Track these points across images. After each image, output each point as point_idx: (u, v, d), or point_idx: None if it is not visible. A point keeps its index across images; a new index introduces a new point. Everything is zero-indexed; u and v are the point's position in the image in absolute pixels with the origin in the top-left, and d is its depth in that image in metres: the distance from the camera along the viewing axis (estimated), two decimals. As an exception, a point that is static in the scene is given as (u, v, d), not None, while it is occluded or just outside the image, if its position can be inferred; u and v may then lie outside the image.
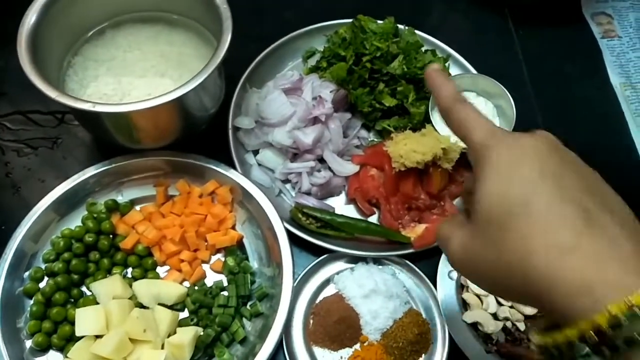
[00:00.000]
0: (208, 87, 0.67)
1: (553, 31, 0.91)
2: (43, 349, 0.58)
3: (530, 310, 0.65)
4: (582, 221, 0.30)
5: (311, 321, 0.63)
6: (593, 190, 0.32)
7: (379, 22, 0.79)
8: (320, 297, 0.65)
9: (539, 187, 0.31)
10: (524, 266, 0.30)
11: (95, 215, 0.64)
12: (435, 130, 0.70)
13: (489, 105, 0.75)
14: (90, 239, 0.62)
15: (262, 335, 0.59)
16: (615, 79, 0.86)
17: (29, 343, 0.58)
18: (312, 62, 0.81)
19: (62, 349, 0.58)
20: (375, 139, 0.77)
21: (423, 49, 0.79)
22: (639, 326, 0.26)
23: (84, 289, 0.62)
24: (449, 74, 0.42)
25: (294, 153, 0.71)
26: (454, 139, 0.69)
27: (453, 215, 0.36)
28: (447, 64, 0.79)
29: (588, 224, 0.30)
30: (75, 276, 0.61)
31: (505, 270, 0.32)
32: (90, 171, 0.67)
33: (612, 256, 0.29)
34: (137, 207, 0.67)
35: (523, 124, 0.71)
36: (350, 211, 0.72)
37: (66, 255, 0.61)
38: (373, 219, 0.71)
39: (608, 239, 0.29)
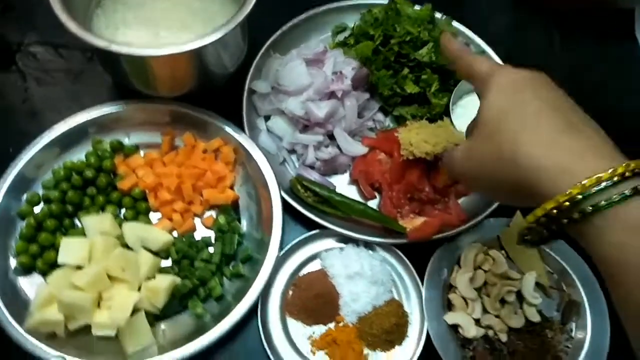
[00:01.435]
0: (229, 44, 0.66)
1: (599, 46, 0.87)
2: (26, 270, 0.59)
3: (515, 323, 0.62)
4: (566, 125, 0.37)
5: (290, 292, 0.63)
6: (576, 110, 0.40)
7: (417, 7, 0.77)
8: (304, 271, 0.64)
9: (534, 99, 0.39)
10: (517, 152, 0.37)
11: (99, 152, 0.65)
12: (453, 124, 0.68)
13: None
14: (90, 173, 0.63)
15: (239, 297, 0.58)
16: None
17: (14, 262, 0.59)
18: (340, 37, 0.79)
19: (44, 274, 0.59)
20: (391, 125, 0.75)
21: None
22: (604, 196, 0.33)
23: (76, 221, 0.63)
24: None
25: (305, 125, 0.70)
26: (469, 136, 0.66)
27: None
28: (478, 61, 0.76)
29: (571, 128, 0.37)
30: (70, 207, 0.62)
31: (501, 161, 0.39)
32: (103, 109, 0.67)
33: (590, 150, 0.36)
34: (142, 152, 0.68)
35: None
36: (352, 192, 0.70)
37: (64, 185, 0.62)
38: (373, 203, 0.70)
39: (587, 139, 0.37)
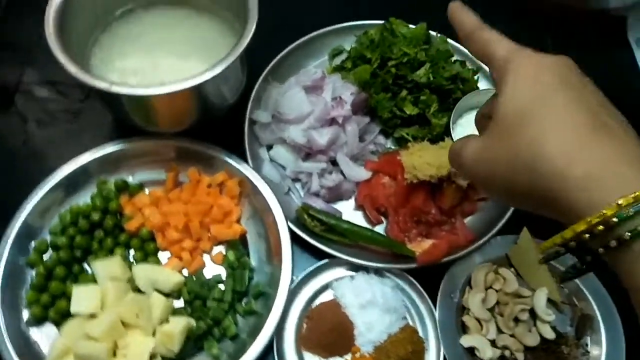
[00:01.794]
0: (228, 77, 0.66)
1: (593, 54, 0.87)
2: (39, 321, 0.59)
3: (531, 341, 0.62)
4: (596, 125, 0.32)
5: (305, 325, 0.63)
6: (606, 105, 0.34)
7: (412, 26, 0.77)
8: (316, 302, 0.64)
9: (559, 92, 0.33)
10: (537, 155, 0.32)
11: (104, 193, 0.65)
12: (455, 144, 0.68)
13: (514, 124, 0.72)
14: (97, 216, 0.63)
15: (254, 334, 0.58)
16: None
17: (26, 313, 0.59)
18: (337, 61, 0.79)
19: (57, 323, 0.59)
20: (393, 147, 0.75)
21: (453, 59, 0.76)
22: None
23: (85, 265, 0.63)
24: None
25: (307, 152, 0.70)
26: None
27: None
28: (476, 77, 0.76)
29: (601, 129, 0.31)
30: (78, 252, 0.62)
31: (519, 166, 0.33)
32: (105, 149, 0.67)
33: (622, 157, 0.30)
34: (147, 190, 0.68)
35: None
36: (358, 217, 0.70)
37: (71, 230, 0.62)
38: (380, 228, 0.70)
39: (619, 142, 0.31)
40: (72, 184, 0.65)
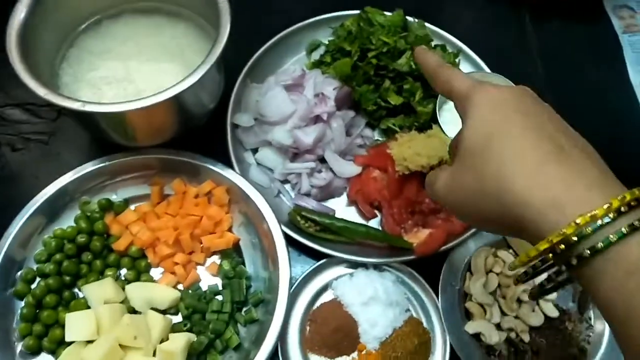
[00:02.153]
0: (206, 83, 0.64)
1: (571, 26, 0.87)
2: (34, 352, 0.57)
3: (535, 321, 0.62)
4: (553, 150, 0.33)
5: (308, 328, 0.62)
6: (563, 130, 0.36)
7: (388, 14, 0.75)
8: (317, 303, 0.63)
9: (516, 120, 0.35)
10: (500, 188, 0.34)
11: (88, 214, 0.63)
12: (443, 131, 0.67)
13: (499, 104, 0.71)
14: (83, 239, 0.61)
15: (257, 342, 0.57)
16: (635, 78, 0.82)
17: (20, 346, 0.57)
18: (315, 55, 0.78)
19: (53, 352, 0.57)
20: (380, 138, 0.74)
21: (433, 43, 0.75)
22: (600, 236, 0.30)
23: (76, 290, 0.61)
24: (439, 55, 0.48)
25: (294, 153, 0.68)
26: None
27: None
28: (457, 60, 0.75)
29: (558, 153, 0.33)
30: (67, 278, 0.60)
31: (485, 195, 0.35)
32: (84, 169, 0.65)
33: (580, 179, 0.32)
34: (132, 207, 0.66)
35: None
36: (351, 213, 0.69)
37: (58, 256, 0.60)
38: (375, 222, 0.69)
39: (576, 166, 0.33)
40: (53, 208, 0.63)
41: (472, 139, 0.36)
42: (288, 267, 0.60)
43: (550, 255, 0.32)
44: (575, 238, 0.30)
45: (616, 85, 0.82)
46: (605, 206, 0.30)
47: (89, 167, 0.65)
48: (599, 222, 0.30)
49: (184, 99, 0.62)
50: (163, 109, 0.61)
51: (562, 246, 0.31)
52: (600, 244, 0.30)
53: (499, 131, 0.35)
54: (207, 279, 0.63)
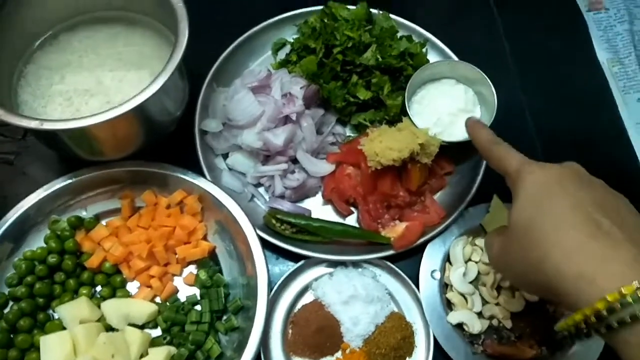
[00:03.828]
0: (169, 90, 0.63)
1: (536, 6, 0.87)
2: (11, 378, 0.56)
3: (516, 307, 0.62)
4: (591, 229, 0.38)
5: (290, 331, 0.61)
6: (607, 206, 0.40)
7: (352, 7, 0.75)
8: (298, 305, 0.63)
9: (558, 200, 0.40)
10: (541, 262, 0.39)
11: (58, 233, 0.61)
12: (413, 123, 0.67)
13: (469, 92, 0.71)
14: (54, 259, 0.59)
15: (239, 349, 0.56)
16: (602, 55, 0.82)
17: (-5, 373, 0.56)
18: (281, 55, 0.77)
19: (31, 377, 0.55)
20: (352, 134, 0.73)
21: (398, 34, 0.74)
22: (628, 311, 0.34)
23: (50, 311, 0.59)
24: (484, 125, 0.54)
25: (266, 155, 0.67)
26: (432, 132, 0.65)
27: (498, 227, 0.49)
28: (424, 50, 0.75)
29: (596, 231, 0.37)
30: (41, 300, 0.58)
31: (529, 265, 0.40)
32: (52, 187, 0.63)
33: (613, 257, 0.36)
34: (103, 222, 0.64)
35: (506, 110, 0.67)
36: (328, 212, 0.69)
37: (29, 278, 0.58)
38: (352, 219, 0.68)
39: (612, 244, 0.37)
40: (21, 230, 0.62)
41: (520, 215, 0.42)
42: (266, 271, 0.60)
43: (583, 325, 0.37)
44: (605, 313, 0.35)
45: (584, 63, 0.82)
46: (635, 282, 0.34)
47: (56, 185, 0.63)
48: (628, 299, 0.34)
49: (148, 108, 0.60)
50: (127, 121, 0.60)
51: (594, 319, 0.35)
52: (627, 318, 0.34)
53: (542, 210, 0.40)
54: (185, 290, 0.62)
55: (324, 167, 0.68)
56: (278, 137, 0.65)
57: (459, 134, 0.68)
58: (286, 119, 0.67)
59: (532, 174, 0.43)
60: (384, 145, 0.63)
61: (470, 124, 0.53)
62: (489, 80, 0.68)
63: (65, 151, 0.63)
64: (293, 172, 0.68)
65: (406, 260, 0.65)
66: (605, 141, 0.76)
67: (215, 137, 0.69)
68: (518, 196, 0.43)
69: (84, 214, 0.64)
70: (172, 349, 0.56)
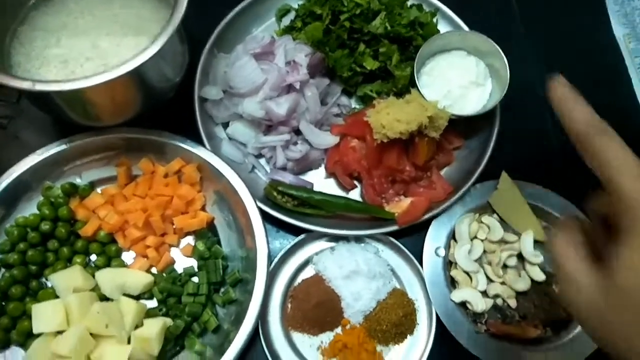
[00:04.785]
0: (167, 54, 0.60)
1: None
2: (3, 345, 0.55)
3: (522, 286, 0.61)
4: None
5: (289, 305, 0.60)
6: None
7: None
8: (298, 279, 0.61)
9: None
10: None
11: (52, 200, 0.60)
12: (422, 95, 0.64)
13: (480, 65, 0.68)
14: (47, 226, 0.58)
15: (237, 322, 0.55)
16: (618, 30, 0.79)
17: (-13, 340, 0.54)
18: (286, 21, 0.74)
19: (22, 345, 0.54)
20: (358, 106, 0.71)
21: (408, 3, 0.71)
22: None
23: (43, 280, 0.58)
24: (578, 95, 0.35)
25: (268, 125, 0.65)
26: (442, 104, 0.63)
27: (572, 237, 0.34)
28: (435, 19, 0.72)
29: None
30: (33, 267, 0.57)
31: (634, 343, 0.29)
32: (46, 152, 0.61)
33: None
34: (98, 190, 0.62)
35: (519, 84, 0.65)
36: (330, 185, 0.67)
37: (22, 245, 0.57)
38: (355, 193, 0.66)
39: None
40: (13, 195, 0.60)
41: (637, 277, 0.29)
42: (265, 244, 0.58)
43: None
44: None
45: (599, 39, 0.79)
46: None
47: (50, 150, 0.61)
48: None
49: (145, 72, 0.58)
50: (123, 85, 0.57)
51: None
52: None
53: None
54: (182, 261, 0.61)
55: (328, 139, 0.66)
56: (281, 107, 0.63)
57: (469, 108, 0.65)
58: (289, 88, 0.65)
59: None
60: (391, 117, 0.60)
61: (559, 94, 0.34)
62: (501, 52, 0.65)
63: (60, 115, 0.61)
64: (295, 143, 0.65)
65: (410, 237, 0.63)
66: (619, 118, 0.73)
67: (216, 105, 0.66)
68: (636, 244, 0.30)
69: (78, 181, 0.62)
70: (168, 321, 0.54)
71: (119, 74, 0.52)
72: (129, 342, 0.53)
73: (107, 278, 0.56)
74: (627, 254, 0.30)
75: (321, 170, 0.68)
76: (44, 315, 0.52)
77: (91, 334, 0.52)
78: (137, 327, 0.54)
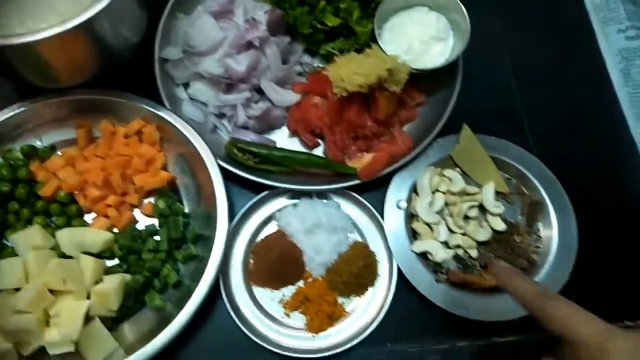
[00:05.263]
0: (122, 12, 0.59)
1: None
2: (-36, 305, 0.55)
3: (483, 236, 0.62)
4: None
5: (251, 261, 0.60)
6: None
7: None
8: (261, 236, 0.62)
9: None
10: None
11: (11, 162, 0.59)
12: (383, 51, 0.64)
13: (442, 20, 0.68)
14: (6, 188, 0.57)
15: (197, 278, 0.55)
16: (595, 17, 0.78)
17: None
18: (246, -20, 0.73)
19: (-17, 304, 0.54)
20: (321, 65, 0.70)
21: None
22: None
23: (5, 241, 0.58)
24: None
25: (228, 84, 0.65)
26: (402, 59, 0.62)
27: None
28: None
29: None
30: (-7, 228, 0.57)
31: None
32: (3, 115, 0.61)
33: None
34: (59, 152, 0.62)
35: (481, 39, 0.64)
36: (294, 145, 0.67)
37: (-19, 207, 0.57)
38: (318, 152, 0.66)
39: None
40: (-28, 157, 0.59)
41: None
42: (226, 200, 0.58)
43: None
44: None
45: (575, 23, 0.78)
46: None
47: (9, 112, 0.61)
48: None
49: (99, 29, 0.57)
50: (77, 40, 0.56)
51: None
52: None
53: None
54: (145, 221, 0.61)
55: (290, 97, 0.65)
56: (240, 64, 0.62)
57: (430, 62, 0.65)
58: (249, 46, 0.64)
59: (625, 346, 0.35)
60: (350, 70, 0.60)
61: (502, 272, 0.43)
62: (462, 6, 0.65)
63: (16, 76, 0.60)
64: (257, 102, 0.65)
65: (372, 192, 0.64)
66: (583, 75, 0.74)
67: (176, 65, 0.66)
68: None
69: (38, 143, 0.62)
70: (127, 276, 0.55)
71: (67, 27, 0.52)
72: (89, 298, 0.53)
73: (66, 236, 0.56)
74: None
75: (284, 130, 0.68)
76: (3, 273, 0.52)
77: (51, 290, 0.52)
78: (97, 283, 0.54)
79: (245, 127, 0.65)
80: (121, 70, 0.63)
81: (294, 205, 0.62)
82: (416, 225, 0.62)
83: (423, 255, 0.60)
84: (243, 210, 0.61)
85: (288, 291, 0.59)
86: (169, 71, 0.66)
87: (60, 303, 0.52)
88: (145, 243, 0.57)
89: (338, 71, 0.61)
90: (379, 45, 0.64)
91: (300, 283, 0.59)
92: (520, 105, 0.71)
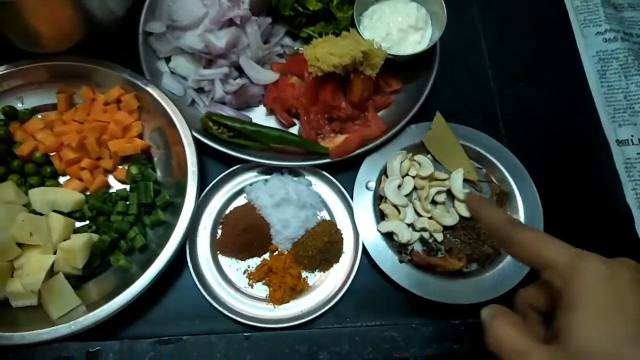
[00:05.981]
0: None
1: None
2: None
3: (449, 221, 0.63)
4: None
5: (219, 231, 0.61)
6: None
7: None
8: (230, 208, 0.63)
9: None
10: None
11: (-10, 122, 0.61)
12: (362, 36, 0.65)
13: (421, 10, 0.69)
14: (-16, 145, 0.59)
15: (163, 244, 0.56)
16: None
17: None
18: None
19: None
20: (302, 48, 0.72)
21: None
22: None
23: (-21, 197, 0.59)
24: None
25: (208, 59, 0.66)
26: (377, 43, 0.64)
27: (508, 319, 0.36)
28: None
29: None
30: (-33, 183, 0.58)
31: None
32: (-15, 76, 0.62)
33: None
34: (39, 115, 0.63)
35: (460, 36, 0.66)
36: (270, 123, 0.68)
37: (-44, 162, 0.58)
38: (294, 131, 0.67)
39: None
40: (-48, 114, 0.61)
41: (594, 343, 0.31)
42: (197, 172, 0.59)
43: None
44: None
45: (555, 22, 0.80)
46: None
47: (-11, 75, 0.62)
48: None
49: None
50: (59, 4, 0.58)
51: None
52: None
53: (633, 342, 0.30)
54: (117, 187, 0.62)
55: (268, 75, 0.67)
56: (220, 40, 0.64)
57: (407, 50, 0.67)
58: (230, 23, 0.66)
59: (598, 277, 0.32)
60: (325, 50, 0.61)
61: (472, 199, 0.40)
62: (441, -3, 0.66)
63: (1, 38, 0.61)
64: (235, 78, 0.67)
65: (344, 173, 0.65)
66: (560, 73, 0.75)
67: (159, 39, 0.68)
68: (582, 309, 0.32)
69: (19, 105, 0.63)
70: (95, 236, 0.56)
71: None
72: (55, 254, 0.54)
73: (38, 194, 0.57)
74: (575, 318, 0.32)
75: (262, 109, 0.69)
76: (-29, 224, 0.53)
77: (18, 244, 0.53)
78: (64, 241, 0.55)
79: (222, 103, 0.67)
80: (106, 41, 0.65)
81: (265, 180, 0.63)
82: (384, 206, 0.63)
83: (389, 236, 0.61)
84: (214, 181, 0.62)
85: (254, 262, 0.60)
86: (152, 45, 0.68)
87: (26, 256, 0.53)
88: (115, 206, 0.58)
89: (314, 51, 0.62)
90: (358, 31, 0.66)
91: (266, 255, 0.60)
92: (496, 97, 0.72)
